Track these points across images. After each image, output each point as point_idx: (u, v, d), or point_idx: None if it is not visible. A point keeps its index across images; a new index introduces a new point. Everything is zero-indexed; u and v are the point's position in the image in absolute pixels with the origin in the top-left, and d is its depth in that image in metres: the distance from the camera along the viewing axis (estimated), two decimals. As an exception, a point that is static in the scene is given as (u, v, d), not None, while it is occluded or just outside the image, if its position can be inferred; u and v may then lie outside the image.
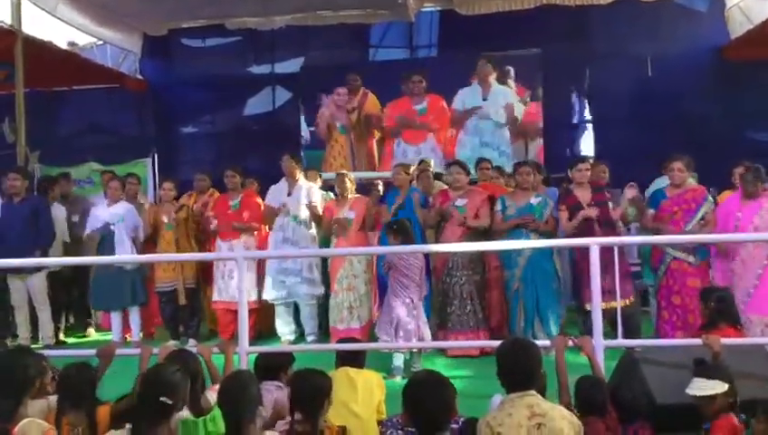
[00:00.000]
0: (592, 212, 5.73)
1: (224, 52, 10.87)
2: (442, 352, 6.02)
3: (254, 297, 6.57)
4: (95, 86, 10.60)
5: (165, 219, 6.82)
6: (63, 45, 10.24)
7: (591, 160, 6.15)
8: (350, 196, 6.58)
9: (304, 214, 6.62)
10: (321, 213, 6.60)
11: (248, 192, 7.04)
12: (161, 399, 2.74)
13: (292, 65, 10.60)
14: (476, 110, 8.21)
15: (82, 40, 10.69)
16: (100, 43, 10.61)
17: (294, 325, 6.75)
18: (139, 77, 10.80)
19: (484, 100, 8.31)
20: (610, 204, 5.95)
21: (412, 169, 6.84)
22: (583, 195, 5.89)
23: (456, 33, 9.91)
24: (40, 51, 8.38)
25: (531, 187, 6.13)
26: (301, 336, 6.75)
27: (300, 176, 6.75)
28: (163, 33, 10.46)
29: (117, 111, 10.84)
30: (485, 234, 6.10)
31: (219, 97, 10.73)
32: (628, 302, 5.69)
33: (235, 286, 6.45)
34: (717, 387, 3.10)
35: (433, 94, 8.44)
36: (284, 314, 6.70)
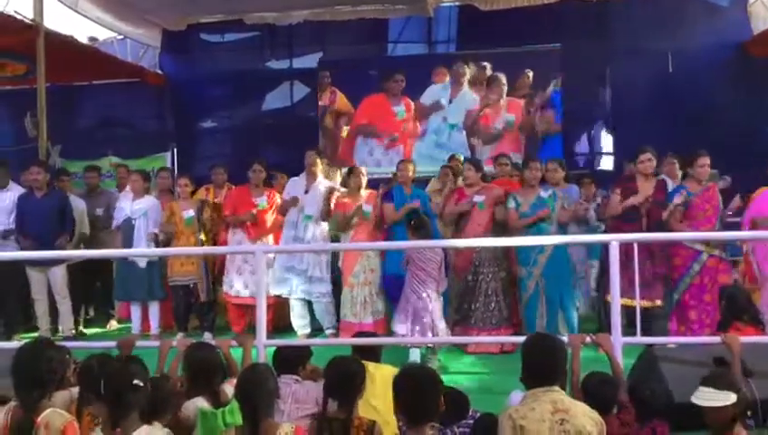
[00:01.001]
0: (637, 199, 5.63)
1: (242, 46, 10.90)
2: (462, 348, 6.01)
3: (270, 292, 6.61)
4: (115, 80, 10.67)
5: (184, 215, 6.86)
6: (84, 40, 10.34)
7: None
8: (363, 190, 6.57)
9: (318, 213, 6.62)
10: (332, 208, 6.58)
11: (272, 192, 6.96)
12: (135, 382, 2.80)
13: (310, 60, 10.59)
14: (438, 107, 8.36)
15: (103, 34, 10.78)
16: (121, 37, 10.68)
17: (310, 319, 6.77)
18: (159, 72, 10.86)
19: (450, 102, 8.42)
20: None
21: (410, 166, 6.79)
22: (645, 187, 5.78)
23: (476, 28, 9.85)
24: (61, 45, 8.44)
25: (537, 183, 6.10)
26: (316, 331, 6.77)
27: (320, 174, 6.74)
28: (182, 28, 10.50)
29: (136, 106, 10.90)
30: (506, 230, 6.10)
31: (237, 92, 10.76)
32: (658, 302, 5.66)
33: (243, 282, 6.59)
34: (726, 398, 3.02)
35: (406, 97, 8.59)
36: (299, 309, 6.71)
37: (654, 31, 9.26)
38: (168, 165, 10.10)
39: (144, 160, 9.58)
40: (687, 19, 9.19)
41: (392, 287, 6.16)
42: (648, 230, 5.56)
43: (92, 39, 10.83)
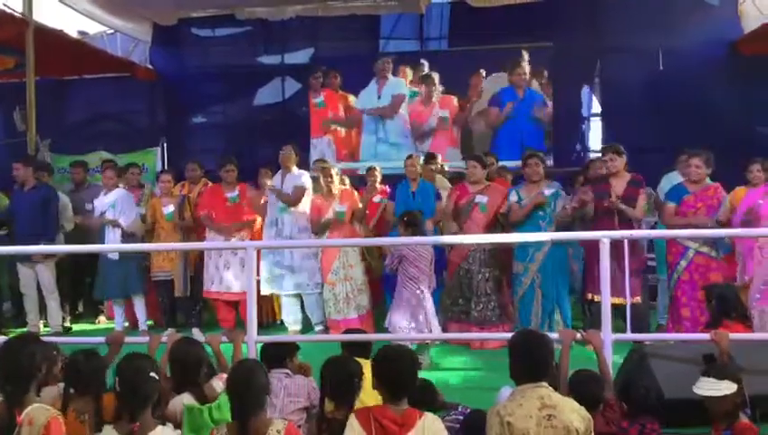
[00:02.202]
0: (614, 202, 5.65)
1: (234, 42, 10.84)
2: (465, 344, 6.00)
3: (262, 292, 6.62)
4: (105, 75, 10.60)
5: (164, 210, 6.88)
6: (74, 34, 10.28)
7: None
8: (335, 190, 6.57)
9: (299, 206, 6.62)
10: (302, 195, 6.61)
11: (243, 186, 6.97)
12: (150, 375, 2.79)
13: (301, 56, 10.56)
14: (373, 110, 8.71)
15: (93, 29, 10.74)
16: (111, 32, 10.62)
17: (301, 315, 6.76)
18: (149, 66, 10.80)
19: (379, 98, 8.57)
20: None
21: (421, 160, 6.80)
22: (619, 184, 5.80)
23: (467, 25, 9.85)
24: (51, 39, 8.39)
25: (541, 178, 6.09)
26: (307, 327, 6.76)
27: (294, 167, 6.73)
28: (173, 23, 10.44)
29: (127, 101, 10.84)
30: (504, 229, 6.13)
31: (229, 87, 10.72)
32: (637, 299, 5.66)
33: (231, 278, 6.59)
34: (727, 388, 3.06)
35: (328, 89, 8.75)
36: (290, 305, 6.72)
37: (645, 29, 9.26)
38: (159, 160, 10.05)
39: (134, 155, 9.51)
40: (678, 17, 9.19)
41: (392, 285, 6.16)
42: (620, 226, 5.59)
43: (82, 33, 10.77)
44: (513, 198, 6.04)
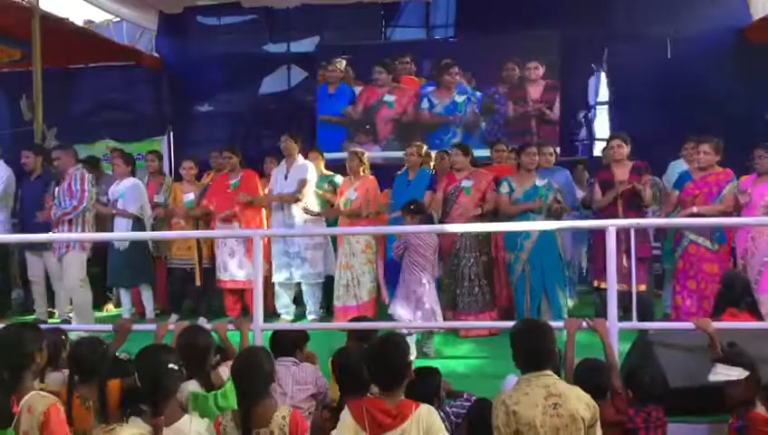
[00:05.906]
0: (624, 186, 5.65)
1: (239, 30, 10.81)
2: (456, 332, 6.02)
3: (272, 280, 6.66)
4: (111, 64, 10.59)
5: (185, 198, 6.87)
6: (80, 22, 10.28)
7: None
8: (361, 175, 6.54)
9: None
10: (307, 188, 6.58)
11: (247, 172, 6.93)
12: (170, 366, 2.82)
13: (307, 44, 10.53)
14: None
15: (99, 17, 10.73)
16: (117, 20, 10.62)
17: (293, 305, 6.76)
18: (155, 55, 10.79)
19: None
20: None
21: (424, 149, 6.77)
22: (621, 172, 5.80)
23: (474, 12, 9.80)
24: (56, 28, 8.39)
25: (533, 168, 6.09)
26: (301, 315, 6.76)
27: (298, 155, 6.70)
28: (178, 11, 10.42)
29: (133, 89, 10.81)
30: (495, 215, 6.10)
31: (235, 75, 10.68)
32: (643, 287, 5.63)
33: (235, 267, 6.62)
34: (739, 374, 3.09)
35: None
36: (283, 294, 6.71)
37: (653, 16, 9.20)
38: (165, 149, 10.06)
39: (141, 144, 9.53)
40: (687, 5, 9.13)
41: (393, 273, 6.15)
42: (626, 214, 5.57)
43: (88, 21, 10.77)
44: (505, 189, 6.03)
